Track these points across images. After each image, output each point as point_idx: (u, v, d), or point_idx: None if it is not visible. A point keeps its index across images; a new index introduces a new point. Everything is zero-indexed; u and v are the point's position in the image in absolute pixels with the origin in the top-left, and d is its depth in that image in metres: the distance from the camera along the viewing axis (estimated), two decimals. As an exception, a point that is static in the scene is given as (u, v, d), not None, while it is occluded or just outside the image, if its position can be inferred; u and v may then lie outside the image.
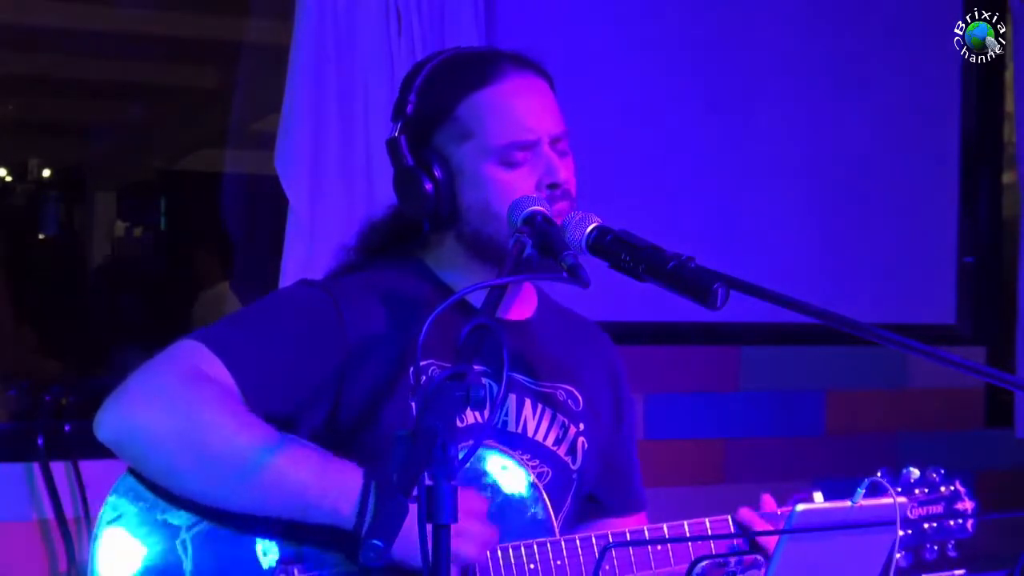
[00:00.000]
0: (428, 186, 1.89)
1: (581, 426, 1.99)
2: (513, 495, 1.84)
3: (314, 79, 3.31)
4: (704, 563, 1.84)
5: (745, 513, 1.89)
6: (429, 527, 1.34)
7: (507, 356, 1.48)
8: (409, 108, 1.92)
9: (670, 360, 3.97)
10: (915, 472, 1.93)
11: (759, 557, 1.82)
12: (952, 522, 1.93)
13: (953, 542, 1.93)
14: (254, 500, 1.72)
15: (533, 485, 1.85)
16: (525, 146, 1.87)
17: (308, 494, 1.70)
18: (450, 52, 2.00)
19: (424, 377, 1.82)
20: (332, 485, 1.70)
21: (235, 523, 1.75)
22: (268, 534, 1.75)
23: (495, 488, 1.83)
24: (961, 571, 1.68)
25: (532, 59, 1.97)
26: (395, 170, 1.95)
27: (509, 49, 1.97)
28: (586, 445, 1.99)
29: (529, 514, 1.84)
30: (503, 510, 1.83)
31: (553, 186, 1.87)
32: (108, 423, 1.73)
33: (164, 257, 7.35)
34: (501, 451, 1.86)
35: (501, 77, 1.91)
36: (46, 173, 7.66)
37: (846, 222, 4.21)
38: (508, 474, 1.85)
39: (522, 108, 1.89)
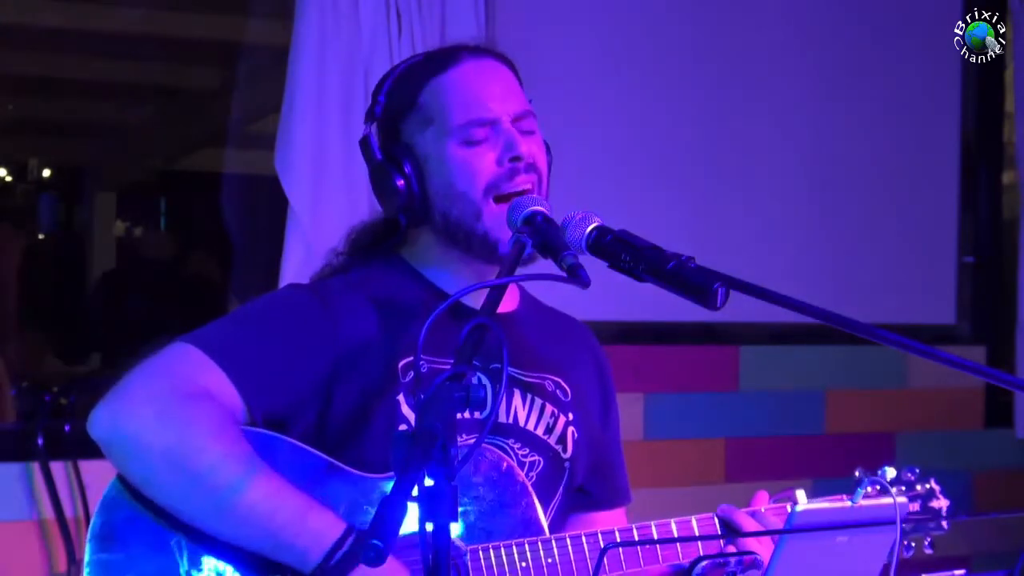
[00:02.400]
0: (398, 180, 1.91)
1: (570, 416, 2.00)
2: (504, 495, 1.84)
3: (314, 79, 3.31)
4: (704, 563, 1.85)
5: (726, 509, 1.91)
6: (429, 527, 1.34)
7: (507, 355, 1.49)
8: (378, 109, 1.98)
9: (670, 360, 3.97)
10: (891, 471, 1.96)
11: (759, 557, 1.82)
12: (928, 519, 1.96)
13: (930, 539, 1.95)
14: (229, 529, 1.73)
15: (523, 485, 1.86)
16: (484, 123, 1.90)
17: (282, 535, 1.71)
18: (414, 56, 2.06)
19: (412, 373, 1.84)
20: (308, 531, 1.71)
21: (207, 540, 1.75)
22: (235, 559, 1.75)
23: (486, 488, 1.84)
24: (961, 571, 1.68)
25: (491, 47, 2.01)
26: (368, 168, 1.98)
27: (469, 41, 2.01)
28: (576, 435, 2.00)
29: (519, 514, 1.85)
30: (492, 508, 1.83)
31: (515, 159, 1.89)
32: (100, 423, 1.74)
33: (164, 257, 7.35)
34: (493, 451, 1.86)
35: (458, 61, 1.95)
36: (46, 173, 7.66)
37: (846, 222, 4.21)
38: (499, 474, 1.85)
39: (480, 87, 1.93)
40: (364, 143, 1.98)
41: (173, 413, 1.73)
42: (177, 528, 1.74)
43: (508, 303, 2.03)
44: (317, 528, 1.71)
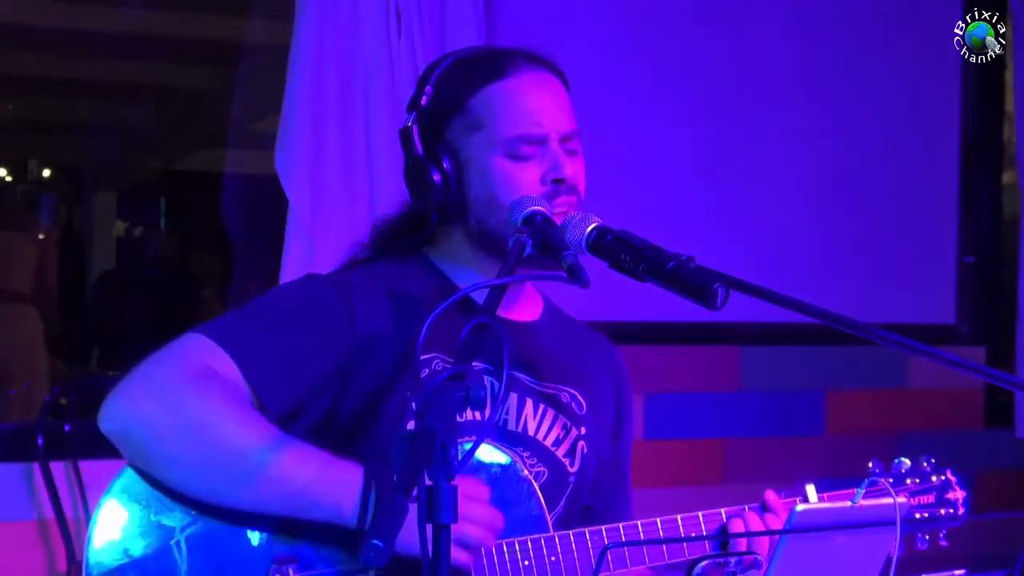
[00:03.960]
0: (436, 177, 1.90)
1: (583, 429, 1.99)
2: (507, 491, 1.84)
3: (314, 79, 3.31)
4: (704, 563, 1.84)
5: (731, 513, 1.90)
6: (429, 527, 1.34)
7: (507, 354, 1.48)
8: (424, 100, 1.94)
9: (670, 360, 3.97)
10: (906, 462, 1.95)
11: (759, 557, 1.82)
12: (943, 511, 1.95)
13: (944, 531, 1.95)
14: (255, 497, 1.72)
15: (528, 482, 1.85)
16: (534, 140, 1.89)
17: (309, 492, 1.70)
18: (468, 49, 2.03)
19: (427, 371, 1.83)
20: (334, 483, 1.70)
21: (232, 519, 1.75)
22: (265, 531, 1.75)
23: (490, 485, 1.83)
24: (961, 571, 1.68)
25: (547, 58, 1.98)
26: (406, 160, 1.96)
27: (525, 47, 1.98)
28: (586, 449, 1.99)
29: (523, 511, 1.84)
30: (498, 507, 1.83)
31: (558, 181, 1.88)
32: (111, 415, 1.73)
33: (165, 256, 7.36)
34: (498, 448, 1.86)
35: (515, 71, 1.93)
36: (46, 173, 7.67)
37: (846, 222, 4.21)
38: (503, 470, 1.85)
39: (534, 103, 1.91)
40: (405, 134, 1.94)
41: (183, 394, 1.72)
42: (176, 530, 1.74)
43: (530, 312, 2.02)
44: (340, 480, 1.69)
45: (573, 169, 1.91)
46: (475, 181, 1.90)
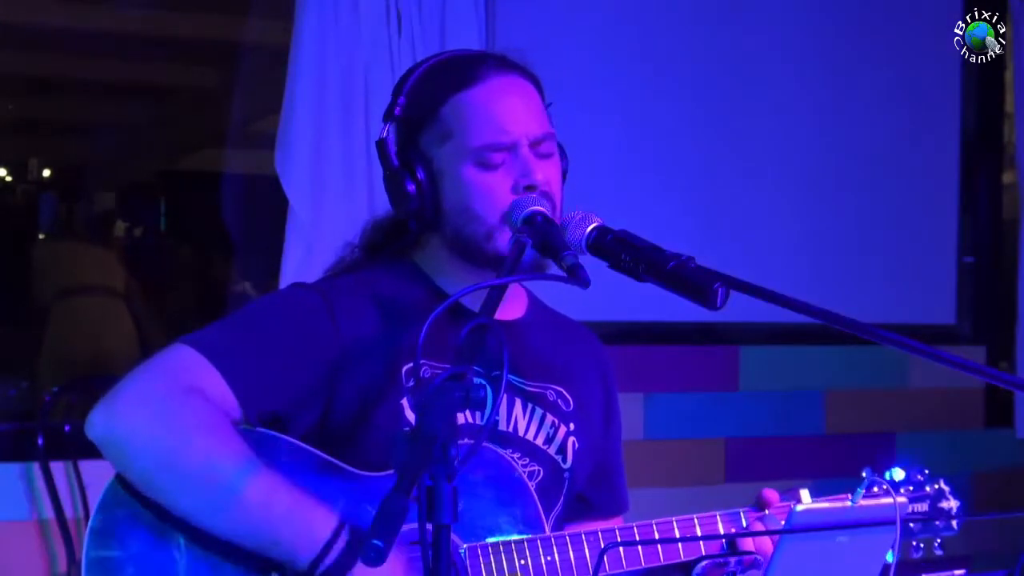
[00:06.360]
0: (411, 187, 1.90)
1: (571, 426, 2.00)
2: (503, 492, 1.84)
3: (314, 79, 3.32)
4: (704, 563, 1.84)
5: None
6: (429, 527, 1.34)
7: (507, 357, 1.49)
8: (398, 110, 1.95)
9: (670, 360, 3.97)
10: (900, 472, 1.95)
11: (759, 557, 1.82)
12: (937, 521, 1.95)
13: (939, 540, 1.95)
14: (222, 525, 1.73)
15: (523, 483, 1.86)
16: (502, 148, 1.88)
17: (273, 532, 1.71)
18: (441, 55, 2.03)
19: (414, 379, 1.83)
20: (300, 527, 1.71)
21: (206, 538, 1.76)
22: (234, 556, 1.76)
23: (485, 486, 1.84)
24: (961, 571, 1.68)
25: (518, 61, 1.98)
26: (383, 171, 1.97)
27: (498, 51, 1.98)
28: (576, 445, 2.00)
29: (519, 512, 1.85)
30: (493, 508, 1.83)
31: (529, 188, 1.87)
32: (97, 425, 1.75)
33: (164, 257, 7.34)
34: (492, 450, 1.86)
35: (483, 79, 1.92)
36: (46, 173, 7.66)
37: (846, 222, 4.21)
38: (499, 471, 1.85)
39: (501, 110, 1.90)
40: (381, 145, 1.95)
41: (167, 413, 1.74)
42: (176, 526, 1.74)
43: (515, 310, 2.02)
44: (308, 525, 1.71)
45: (545, 174, 1.89)
46: (449, 191, 1.90)
